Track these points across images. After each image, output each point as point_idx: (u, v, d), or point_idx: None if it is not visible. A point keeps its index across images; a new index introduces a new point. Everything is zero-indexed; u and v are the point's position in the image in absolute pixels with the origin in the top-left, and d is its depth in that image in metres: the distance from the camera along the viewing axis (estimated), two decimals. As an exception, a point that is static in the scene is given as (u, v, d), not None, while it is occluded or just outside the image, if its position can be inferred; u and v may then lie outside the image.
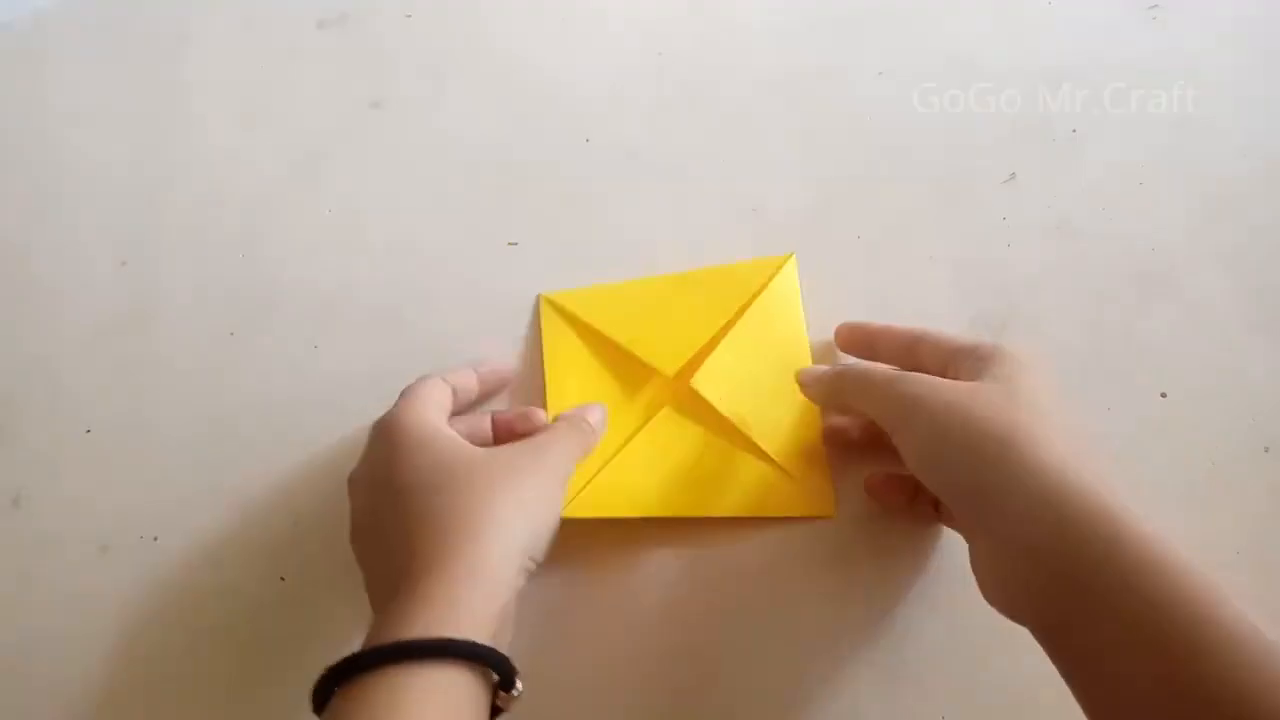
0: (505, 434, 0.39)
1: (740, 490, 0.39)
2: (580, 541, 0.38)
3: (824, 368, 0.40)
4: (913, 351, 0.37)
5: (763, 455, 0.40)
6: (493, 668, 0.28)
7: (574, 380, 0.42)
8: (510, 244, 0.45)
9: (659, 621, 0.38)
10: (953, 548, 0.38)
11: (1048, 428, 0.30)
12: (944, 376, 0.34)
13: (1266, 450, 0.40)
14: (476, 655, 0.28)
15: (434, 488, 0.32)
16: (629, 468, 0.40)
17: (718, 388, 0.40)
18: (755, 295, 0.43)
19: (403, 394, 0.36)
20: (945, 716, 0.36)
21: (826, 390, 0.38)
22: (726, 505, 0.39)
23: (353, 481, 0.35)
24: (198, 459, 0.41)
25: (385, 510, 0.33)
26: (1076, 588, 0.28)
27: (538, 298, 0.44)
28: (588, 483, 0.39)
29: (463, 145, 0.48)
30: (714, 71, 0.50)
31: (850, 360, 0.41)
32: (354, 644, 0.28)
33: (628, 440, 0.40)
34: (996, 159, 0.47)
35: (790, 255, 0.44)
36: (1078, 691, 0.28)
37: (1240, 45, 0.49)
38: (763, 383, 0.41)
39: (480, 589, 0.30)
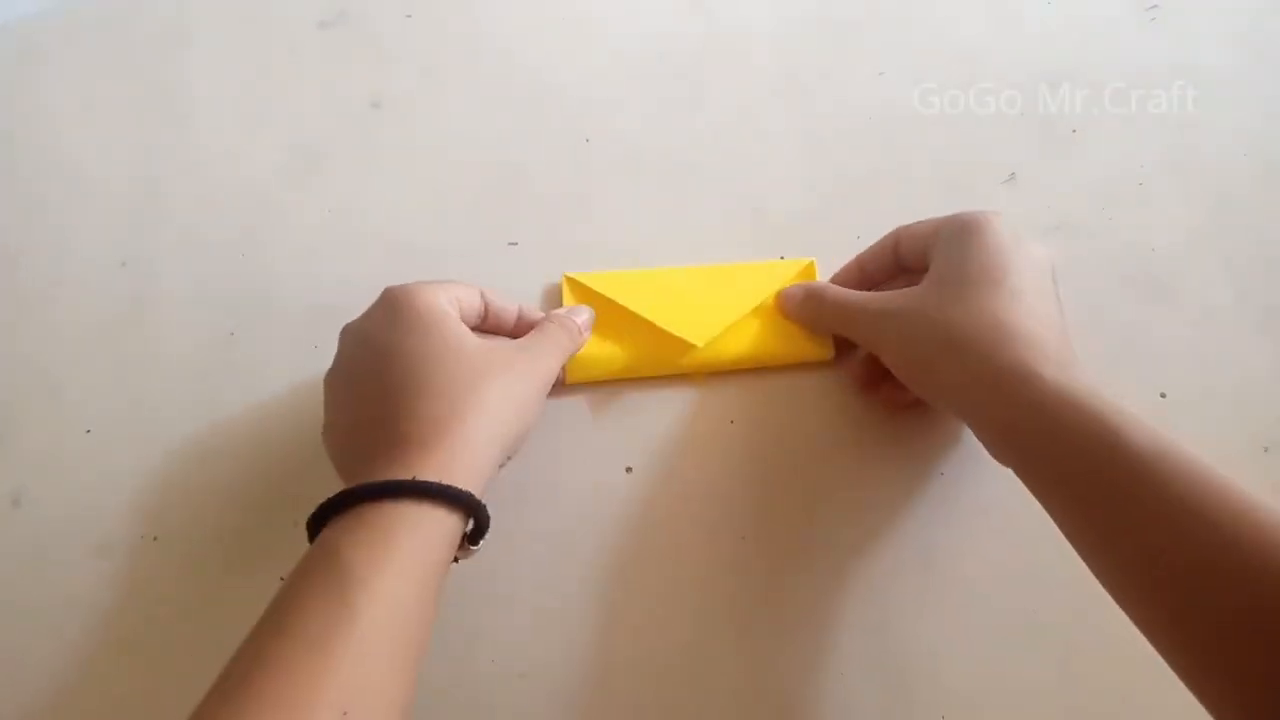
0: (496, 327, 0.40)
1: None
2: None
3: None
4: (896, 253, 0.40)
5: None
6: (474, 516, 0.32)
7: (595, 352, 0.42)
8: (510, 244, 0.45)
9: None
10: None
11: (1029, 324, 0.33)
12: (925, 268, 0.37)
13: (1266, 450, 0.40)
14: (460, 499, 0.30)
15: (435, 362, 0.33)
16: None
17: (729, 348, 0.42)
18: (776, 295, 0.43)
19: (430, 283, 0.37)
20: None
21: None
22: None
23: (348, 333, 0.37)
24: (197, 459, 0.41)
25: (380, 370, 0.34)
26: (1090, 473, 0.29)
27: (561, 277, 0.44)
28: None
29: (463, 145, 0.48)
30: (714, 71, 0.50)
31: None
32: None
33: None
34: (996, 159, 0.47)
35: (812, 261, 0.44)
36: (1084, 548, 0.31)
37: (1240, 45, 0.49)
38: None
39: (462, 466, 0.32)
